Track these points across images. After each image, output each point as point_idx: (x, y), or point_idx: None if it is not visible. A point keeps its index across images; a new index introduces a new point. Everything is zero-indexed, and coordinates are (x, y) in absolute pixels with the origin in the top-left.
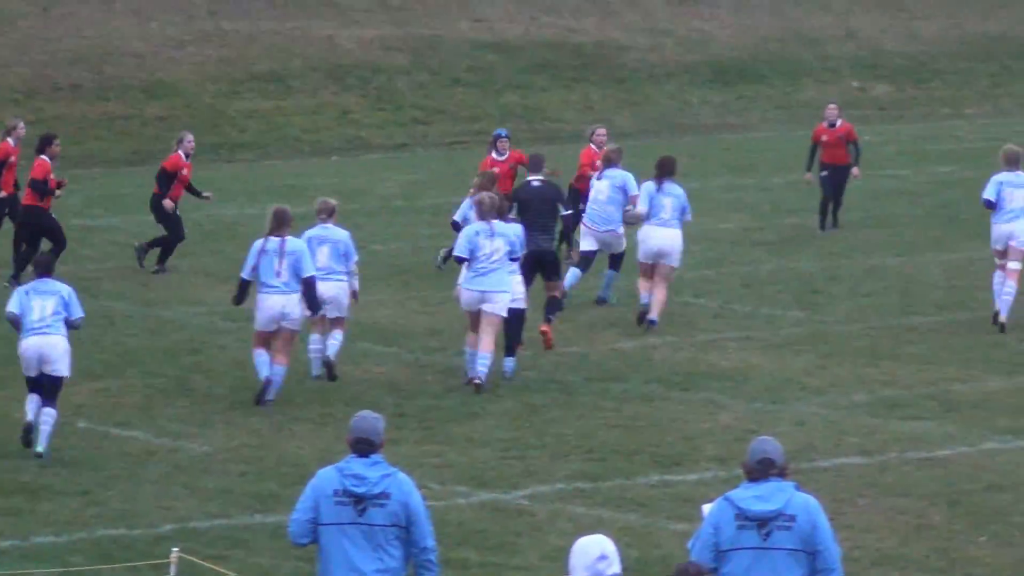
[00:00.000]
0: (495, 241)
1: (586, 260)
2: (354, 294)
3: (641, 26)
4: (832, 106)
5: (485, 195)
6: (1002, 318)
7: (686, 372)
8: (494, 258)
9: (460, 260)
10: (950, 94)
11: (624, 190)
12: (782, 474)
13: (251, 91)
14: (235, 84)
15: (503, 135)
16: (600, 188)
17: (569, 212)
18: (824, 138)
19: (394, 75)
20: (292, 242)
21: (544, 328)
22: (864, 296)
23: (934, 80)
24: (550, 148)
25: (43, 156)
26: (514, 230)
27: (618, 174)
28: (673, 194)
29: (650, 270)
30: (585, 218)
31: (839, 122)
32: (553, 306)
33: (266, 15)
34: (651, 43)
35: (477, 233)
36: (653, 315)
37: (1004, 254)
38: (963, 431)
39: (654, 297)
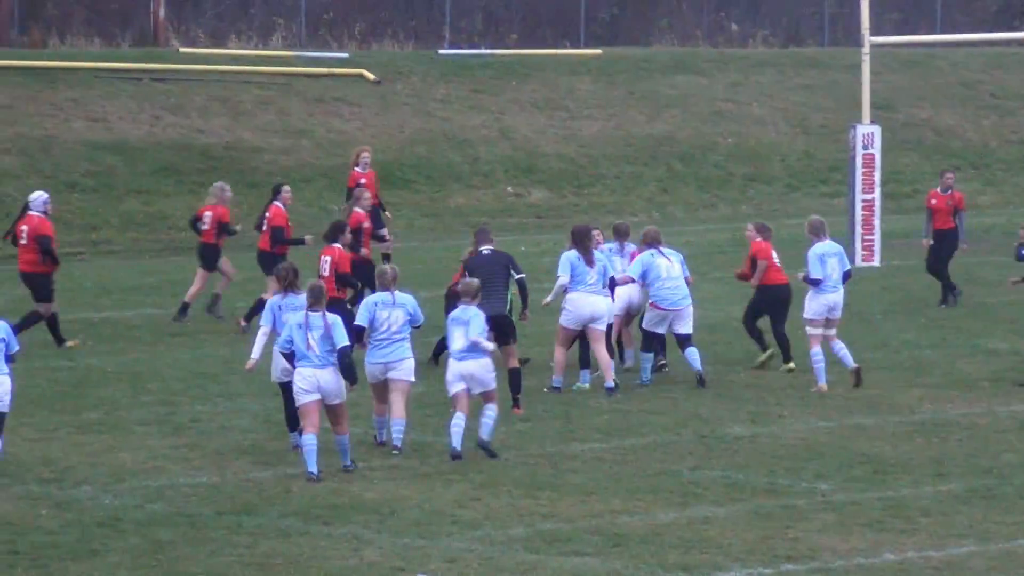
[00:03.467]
0: (395, 311)
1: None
2: None
3: (276, 127)
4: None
5: (387, 267)
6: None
7: (327, 504)
8: (394, 328)
9: (360, 330)
10: (614, 200)
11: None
12: None
13: None
14: None
15: None
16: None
17: (522, 275)
18: (934, 202)
19: (2, 179)
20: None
21: (517, 411)
22: (522, 421)
23: (596, 185)
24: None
25: (276, 203)
26: (411, 299)
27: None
28: None
29: None
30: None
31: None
32: (516, 384)
33: None
34: (286, 145)
35: (376, 304)
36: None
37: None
38: (630, 568)
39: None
